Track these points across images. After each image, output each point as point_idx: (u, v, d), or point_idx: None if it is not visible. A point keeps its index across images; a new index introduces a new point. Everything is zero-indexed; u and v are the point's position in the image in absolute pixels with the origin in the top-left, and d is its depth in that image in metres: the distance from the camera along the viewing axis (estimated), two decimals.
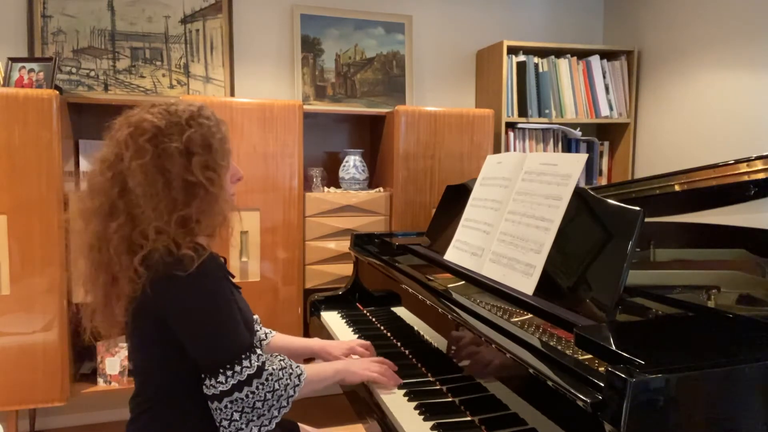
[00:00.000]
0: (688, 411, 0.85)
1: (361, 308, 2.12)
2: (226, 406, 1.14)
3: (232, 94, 2.84)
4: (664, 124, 3.00)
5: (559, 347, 1.04)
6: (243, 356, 1.17)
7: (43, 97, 2.24)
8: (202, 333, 1.17)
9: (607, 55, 3.15)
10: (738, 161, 1.47)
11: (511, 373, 1.15)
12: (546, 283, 1.34)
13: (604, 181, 3.22)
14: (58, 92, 2.27)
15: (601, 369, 0.92)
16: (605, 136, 3.28)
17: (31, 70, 2.42)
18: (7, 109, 2.20)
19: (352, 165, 2.80)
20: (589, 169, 3.15)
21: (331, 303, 2.17)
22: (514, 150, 2.99)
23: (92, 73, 2.67)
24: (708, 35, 2.76)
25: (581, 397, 0.88)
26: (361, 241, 2.26)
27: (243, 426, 1.16)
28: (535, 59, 3.01)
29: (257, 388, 1.16)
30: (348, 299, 2.20)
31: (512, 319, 1.22)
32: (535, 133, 3.04)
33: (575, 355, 1.00)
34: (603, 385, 0.86)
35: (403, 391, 1.39)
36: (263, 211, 2.55)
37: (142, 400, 1.25)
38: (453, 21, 3.19)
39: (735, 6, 2.63)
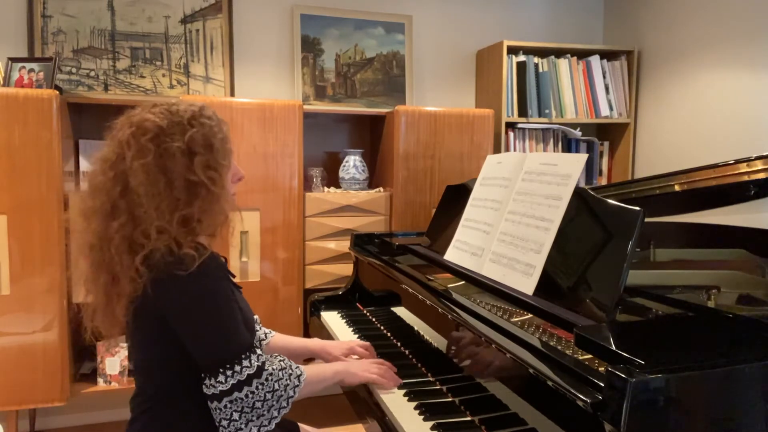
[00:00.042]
0: (688, 411, 0.85)
1: (361, 308, 2.12)
2: (225, 406, 1.14)
3: (232, 94, 2.84)
4: (664, 124, 3.00)
5: (559, 347, 1.04)
6: (243, 356, 1.17)
7: (43, 97, 2.24)
8: (203, 332, 1.17)
9: (607, 55, 3.15)
10: (738, 161, 1.47)
11: (511, 373, 1.15)
12: (546, 283, 1.34)
13: (604, 181, 3.22)
14: (58, 92, 2.27)
15: (601, 369, 0.92)
16: (605, 136, 3.28)
17: (31, 70, 2.42)
18: (7, 109, 2.20)
19: (352, 165, 2.80)
20: (589, 169, 3.15)
21: (331, 303, 2.17)
22: (514, 150, 2.99)
23: (92, 73, 2.67)
24: (708, 35, 2.76)
25: (581, 397, 0.88)
26: (361, 241, 2.26)
27: (242, 426, 1.16)
28: (535, 59, 3.01)
29: (257, 388, 1.16)
30: (348, 299, 2.20)
31: (512, 319, 1.22)
32: (535, 133, 3.04)
33: (575, 355, 1.00)
34: (603, 385, 0.86)
35: (403, 391, 1.39)
36: (263, 211, 2.55)
37: (143, 400, 1.25)
38: (453, 21, 3.19)
39: (735, 6, 2.63)
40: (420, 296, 1.54)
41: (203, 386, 1.16)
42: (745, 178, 1.46)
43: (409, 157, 2.70)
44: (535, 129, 3.03)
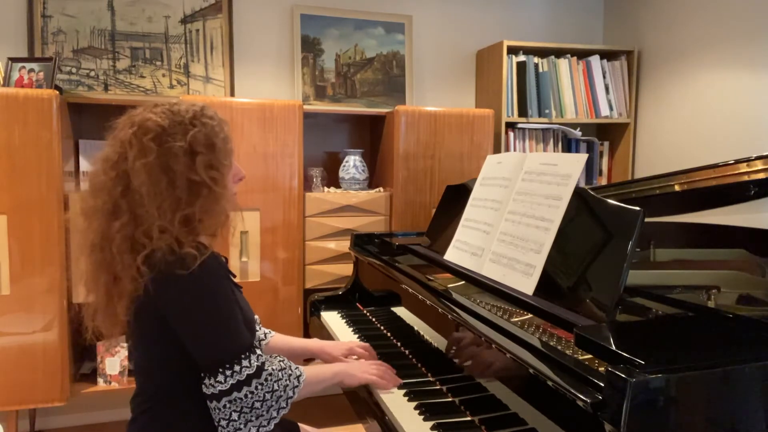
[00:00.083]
0: (688, 411, 0.85)
1: (361, 308, 2.12)
2: (224, 406, 1.14)
3: (232, 94, 2.84)
4: (664, 124, 3.00)
5: (559, 347, 1.04)
6: (243, 356, 1.17)
7: (43, 97, 2.24)
8: (202, 332, 1.17)
9: (607, 55, 3.15)
10: (738, 161, 1.47)
11: (511, 373, 1.15)
12: (546, 283, 1.34)
13: (604, 181, 3.22)
14: (58, 92, 2.27)
15: (601, 369, 0.92)
16: (605, 136, 3.28)
17: (31, 70, 2.42)
18: (7, 109, 2.20)
19: (352, 165, 2.80)
20: (589, 169, 3.15)
21: (331, 303, 2.17)
22: (514, 150, 2.99)
23: (92, 73, 2.67)
24: (708, 35, 2.76)
25: (581, 397, 0.88)
26: (361, 241, 2.26)
27: (241, 426, 1.16)
28: (535, 59, 3.01)
29: (256, 388, 1.16)
30: (348, 299, 2.20)
31: (512, 319, 1.22)
32: (535, 133, 3.04)
33: (575, 355, 1.00)
34: (603, 385, 0.86)
35: (403, 391, 1.39)
36: (263, 211, 2.55)
37: (143, 399, 1.25)
38: (453, 21, 3.19)
39: (735, 6, 2.63)
40: (420, 296, 1.54)
41: (203, 386, 1.16)
42: (745, 178, 1.46)
43: (409, 157, 2.70)
44: (535, 129, 3.03)
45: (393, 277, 1.79)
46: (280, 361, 1.25)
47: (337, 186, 2.83)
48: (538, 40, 3.25)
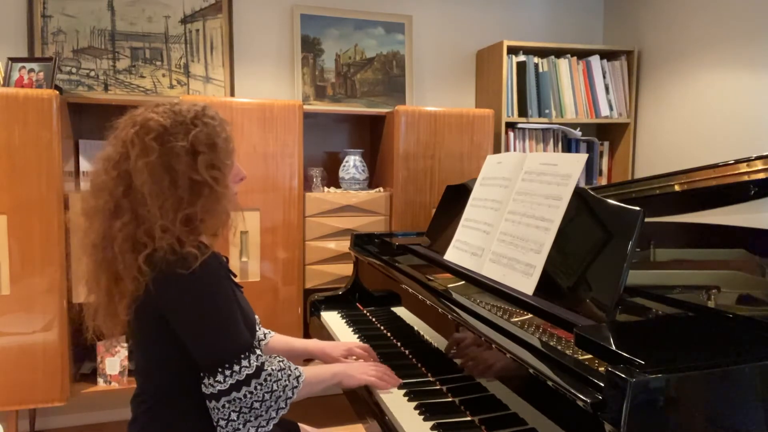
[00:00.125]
0: (688, 411, 0.85)
1: (361, 308, 2.12)
2: (223, 406, 1.14)
3: (232, 94, 2.84)
4: (664, 124, 3.00)
5: (559, 347, 1.04)
6: (242, 356, 1.17)
7: (43, 97, 2.24)
8: (202, 331, 1.17)
9: (607, 55, 3.15)
10: (738, 161, 1.47)
11: (511, 373, 1.15)
12: (546, 283, 1.34)
13: (604, 181, 3.22)
14: (58, 92, 2.27)
15: (601, 369, 0.92)
16: (605, 136, 3.28)
17: (31, 70, 2.42)
18: (7, 109, 2.20)
19: (352, 165, 2.80)
20: (589, 169, 3.15)
21: (331, 303, 2.17)
22: (514, 150, 2.99)
23: (92, 73, 2.67)
24: (708, 35, 2.76)
25: (581, 397, 0.88)
26: (361, 241, 2.26)
27: (240, 426, 1.16)
28: (535, 59, 3.01)
29: (255, 388, 1.16)
30: (348, 299, 2.20)
31: (512, 319, 1.22)
32: (535, 133, 3.04)
33: (575, 355, 1.00)
34: (603, 385, 0.86)
35: (403, 391, 1.40)
36: (263, 211, 2.55)
37: (143, 399, 1.25)
38: (453, 21, 3.19)
39: (735, 6, 2.63)
40: (420, 296, 1.54)
41: (202, 386, 1.16)
42: (745, 178, 1.46)
43: (409, 157, 2.70)
44: (535, 129, 3.03)
45: (393, 277, 1.79)
46: (279, 361, 1.25)
47: (337, 186, 2.83)
48: (538, 40, 3.25)
